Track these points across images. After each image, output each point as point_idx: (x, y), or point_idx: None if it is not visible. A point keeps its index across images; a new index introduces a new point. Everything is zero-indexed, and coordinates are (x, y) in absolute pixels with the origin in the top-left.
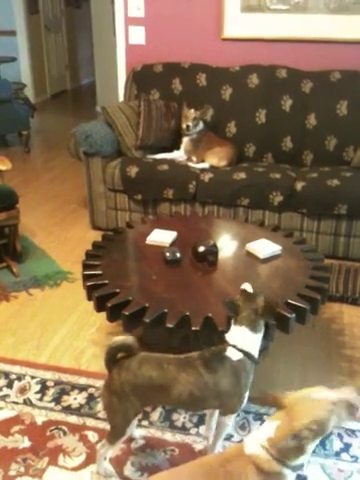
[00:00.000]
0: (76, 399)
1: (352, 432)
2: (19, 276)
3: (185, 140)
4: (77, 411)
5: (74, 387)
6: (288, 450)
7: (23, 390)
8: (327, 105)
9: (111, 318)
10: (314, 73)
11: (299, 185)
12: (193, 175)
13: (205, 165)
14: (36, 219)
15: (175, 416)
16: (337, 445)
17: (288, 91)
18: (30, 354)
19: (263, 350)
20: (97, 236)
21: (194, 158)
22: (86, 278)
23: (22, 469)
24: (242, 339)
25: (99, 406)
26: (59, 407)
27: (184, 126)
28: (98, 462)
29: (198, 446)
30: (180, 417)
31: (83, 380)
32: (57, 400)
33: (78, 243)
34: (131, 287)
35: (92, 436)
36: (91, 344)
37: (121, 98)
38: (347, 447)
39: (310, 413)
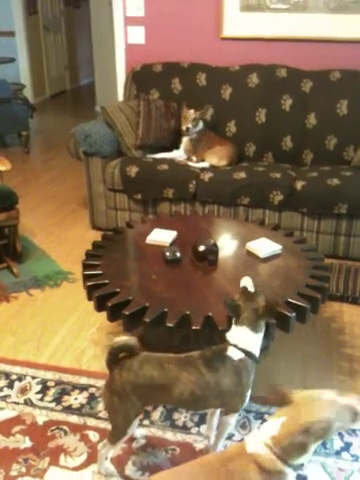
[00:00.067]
0: (77, 399)
1: (353, 431)
2: (19, 276)
3: (185, 140)
4: (78, 411)
5: (75, 387)
6: (292, 448)
7: (24, 390)
8: (327, 104)
9: (111, 318)
10: (314, 72)
11: (299, 184)
12: (193, 174)
13: (205, 164)
14: (36, 219)
15: (176, 415)
16: (338, 444)
17: (288, 90)
18: (30, 354)
19: (264, 349)
20: (97, 236)
21: (194, 157)
22: (86, 278)
23: (23, 469)
24: (243, 339)
25: (100, 406)
26: (60, 407)
27: (184, 128)
28: (99, 462)
29: (199, 445)
30: (181, 416)
31: (84, 380)
32: (58, 400)
33: (78, 243)
34: (131, 287)
35: (93, 436)
36: (91, 344)
37: (120, 98)
38: (347, 446)
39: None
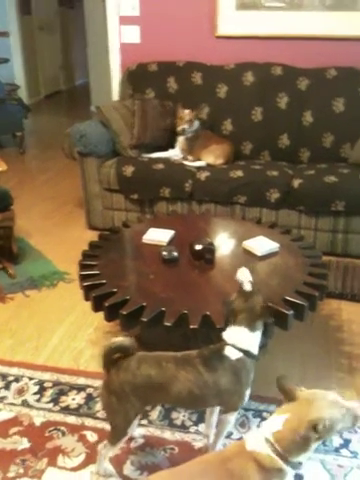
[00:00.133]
0: (74, 399)
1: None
2: (15, 277)
3: (180, 139)
4: (76, 411)
5: (72, 387)
6: (294, 445)
7: (21, 391)
8: (323, 102)
9: (109, 318)
10: (310, 70)
11: (296, 182)
12: (189, 174)
13: (201, 163)
14: (32, 220)
15: (174, 414)
16: (337, 441)
17: (284, 88)
18: (28, 355)
19: (262, 347)
20: (93, 236)
21: (190, 157)
22: (83, 278)
23: (21, 470)
24: (241, 338)
25: (98, 406)
26: (57, 408)
27: (180, 129)
28: (98, 462)
29: (198, 444)
30: (179, 415)
31: (81, 380)
32: (55, 401)
33: (74, 243)
34: (128, 286)
35: (91, 436)
36: (89, 344)
37: (115, 98)
38: (347, 443)
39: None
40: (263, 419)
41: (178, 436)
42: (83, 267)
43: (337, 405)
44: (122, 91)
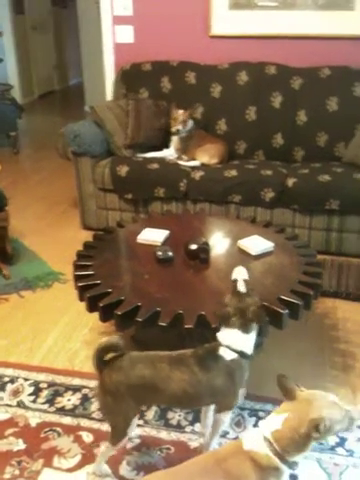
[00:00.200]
0: (70, 400)
1: None
2: (10, 278)
3: (175, 139)
4: (71, 412)
5: (68, 388)
6: (293, 444)
7: (16, 392)
8: (317, 101)
9: (103, 318)
10: (303, 69)
11: (290, 181)
12: (184, 173)
13: (196, 163)
14: (26, 221)
15: (170, 414)
16: (332, 439)
17: (278, 88)
18: (23, 356)
19: (257, 346)
20: (88, 236)
21: (184, 156)
22: (78, 279)
23: (17, 472)
24: (235, 340)
25: (93, 407)
26: (53, 409)
27: (174, 130)
28: (97, 463)
29: (194, 444)
30: (175, 415)
31: (77, 381)
32: (51, 402)
33: (69, 244)
34: (123, 287)
35: (87, 436)
36: (84, 345)
37: (109, 97)
38: (343, 441)
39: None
40: (259, 418)
41: (174, 436)
42: (78, 267)
43: (336, 406)
44: (116, 91)
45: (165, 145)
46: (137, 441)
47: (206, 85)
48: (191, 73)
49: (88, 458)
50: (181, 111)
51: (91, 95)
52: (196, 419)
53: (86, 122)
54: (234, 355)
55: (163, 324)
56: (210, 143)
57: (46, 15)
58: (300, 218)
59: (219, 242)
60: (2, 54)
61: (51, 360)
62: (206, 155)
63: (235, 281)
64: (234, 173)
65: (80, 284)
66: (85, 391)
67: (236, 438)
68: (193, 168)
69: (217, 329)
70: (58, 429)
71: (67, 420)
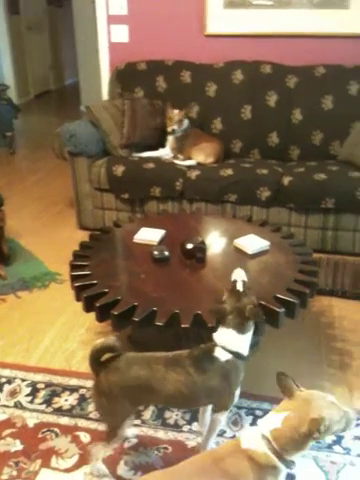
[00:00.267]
0: (67, 400)
1: None
2: (6, 279)
3: (170, 138)
4: (68, 412)
5: (65, 389)
6: (292, 442)
7: (13, 393)
8: (312, 100)
9: (100, 318)
10: (299, 68)
11: (286, 180)
12: (180, 172)
13: (192, 162)
14: (22, 221)
15: (167, 414)
16: (329, 438)
17: (273, 87)
18: (20, 357)
19: (254, 345)
20: (84, 236)
21: (180, 155)
22: (74, 279)
23: (14, 472)
24: (230, 340)
25: (91, 407)
26: (50, 409)
27: (170, 130)
28: (92, 463)
29: (191, 443)
30: (172, 415)
31: (74, 381)
32: (48, 402)
33: (66, 244)
34: (120, 286)
35: (84, 437)
36: (81, 345)
37: (105, 97)
38: (339, 439)
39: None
40: (256, 417)
41: (171, 435)
42: (74, 267)
43: (335, 406)
44: (111, 90)
45: (161, 144)
46: (134, 441)
47: (201, 84)
48: (186, 72)
49: (86, 458)
50: (176, 111)
51: (87, 95)
52: (193, 418)
53: (82, 122)
54: (229, 356)
55: (159, 324)
56: (206, 142)
57: (41, 15)
58: (296, 217)
59: (215, 241)
60: None
61: (48, 360)
62: (202, 154)
63: (235, 282)
64: (230, 172)
65: (77, 284)
66: (82, 391)
67: (233, 437)
68: (189, 167)
69: (214, 328)
70: (56, 429)
71: (64, 420)
